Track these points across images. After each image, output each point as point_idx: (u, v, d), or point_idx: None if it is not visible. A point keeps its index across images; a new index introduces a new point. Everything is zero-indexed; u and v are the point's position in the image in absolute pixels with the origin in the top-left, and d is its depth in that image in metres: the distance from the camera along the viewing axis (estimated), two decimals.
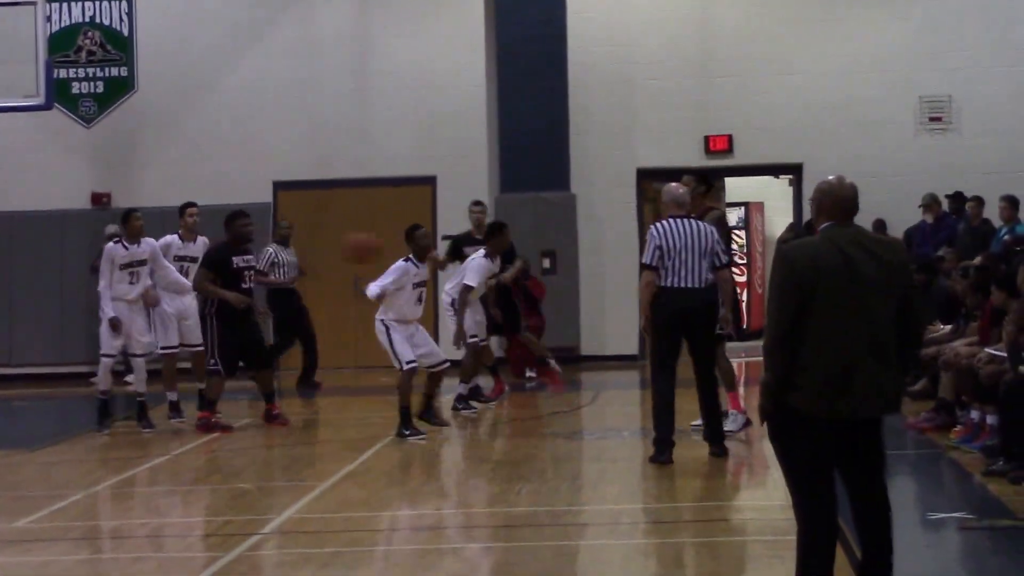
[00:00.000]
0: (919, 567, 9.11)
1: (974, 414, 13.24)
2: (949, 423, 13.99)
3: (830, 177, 7.67)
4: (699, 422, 13.63)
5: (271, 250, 19.93)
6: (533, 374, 20.86)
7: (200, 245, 16.71)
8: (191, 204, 17.04)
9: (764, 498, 11.64)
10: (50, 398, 20.73)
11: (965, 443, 13.04)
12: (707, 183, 14.54)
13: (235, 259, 15.90)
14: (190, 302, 16.59)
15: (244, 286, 15.90)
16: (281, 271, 19.88)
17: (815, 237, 7.42)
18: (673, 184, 13.45)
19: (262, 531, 10.63)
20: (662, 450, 12.73)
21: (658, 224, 12.96)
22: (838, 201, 7.42)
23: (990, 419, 12.81)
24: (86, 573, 9.75)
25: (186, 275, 16.62)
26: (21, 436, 15.98)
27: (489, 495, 12.25)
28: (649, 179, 23.05)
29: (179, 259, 16.72)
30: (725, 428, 14.10)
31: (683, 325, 12.85)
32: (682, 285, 12.79)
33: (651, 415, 13.00)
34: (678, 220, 12.97)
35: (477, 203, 18.72)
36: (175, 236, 16.84)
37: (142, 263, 16.21)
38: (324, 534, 10.71)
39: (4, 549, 10.39)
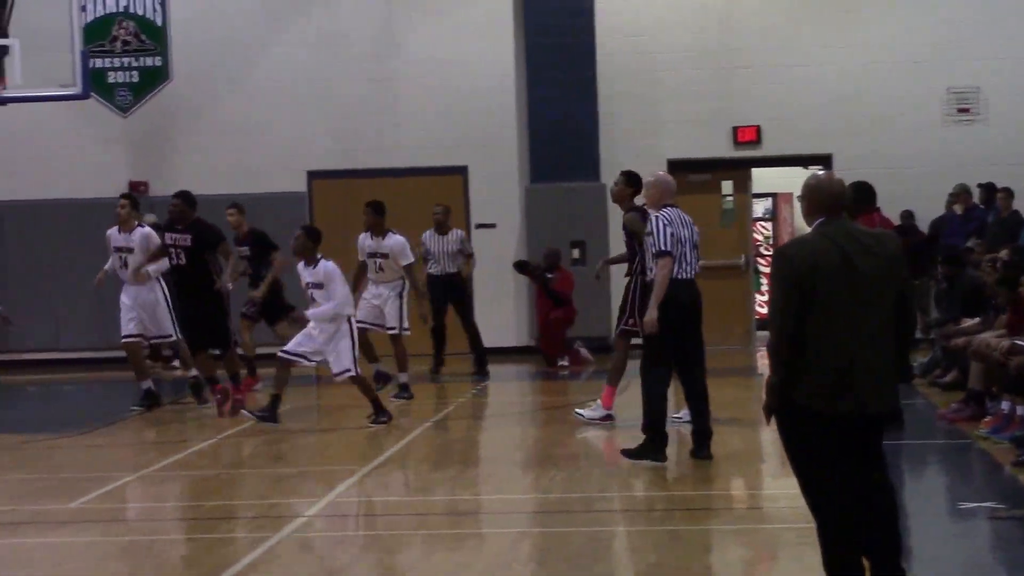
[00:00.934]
0: (948, 556, 9.31)
1: (1004, 405, 13.40)
2: (979, 414, 14.16)
3: (818, 172, 7.83)
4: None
5: (423, 237, 20.12)
6: (565, 363, 21.12)
7: (138, 236, 17.24)
8: (123, 195, 17.78)
9: (794, 486, 11.88)
10: (96, 382, 21.13)
11: (995, 434, 13.21)
12: (634, 184, 14.64)
13: (166, 235, 16.68)
14: (148, 293, 17.13)
15: (173, 262, 16.56)
16: (437, 258, 20.00)
17: (809, 234, 7.50)
18: (662, 172, 13.62)
19: (306, 514, 10.92)
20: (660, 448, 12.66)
21: (663, 212, 12.70)
22: (829, 196, 7.50)
23: (1020, 410, 13.00)
24: (135, 554, 10.04)
25: (124, 265, 17.22)
26: (70, 419, 16.33)
27: (523, 481, 12.50)
28: (680, 170, 23.31)
29: (117, 250, 17.37)
30: (587, 415, 14.65)
31: (688, 317, 12.68)
32: (688, 276, 12.65)
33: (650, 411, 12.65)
34: (676, 209, 12.84)
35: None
36: (114, 228, 17.48)
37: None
38: (364, 518, 10.99)
39: (55, 530, 10.69)
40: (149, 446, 15.01)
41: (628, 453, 12.62)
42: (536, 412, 16.99)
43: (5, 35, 19.42)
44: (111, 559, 9.86)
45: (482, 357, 19.98)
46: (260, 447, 14.57)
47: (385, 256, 17.24)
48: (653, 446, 12.52)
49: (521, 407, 17.16)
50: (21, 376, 21.72)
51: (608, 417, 14.84)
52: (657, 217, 12.77)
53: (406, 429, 15.04)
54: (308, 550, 10.09)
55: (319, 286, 15.18)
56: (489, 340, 20.34)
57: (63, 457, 14.18)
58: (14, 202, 23.34)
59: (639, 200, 14.23)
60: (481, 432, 15.40)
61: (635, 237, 14.07)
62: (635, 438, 12.56)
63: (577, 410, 15.15)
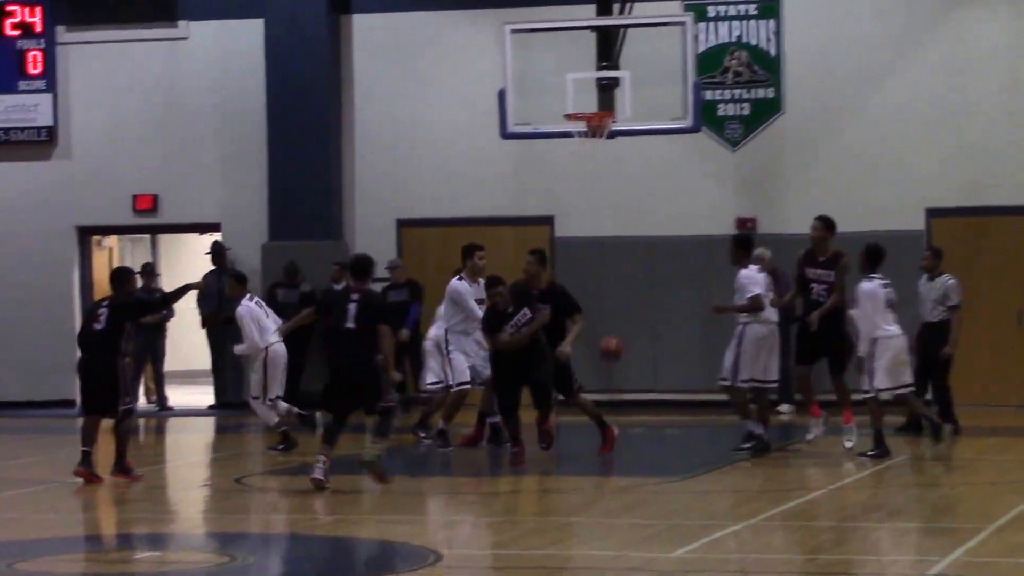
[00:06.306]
0: None
1: None
2: None
3: None
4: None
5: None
6: None
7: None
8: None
9: None
10: (698, 425, 21.28)
11: None
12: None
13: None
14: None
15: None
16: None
17: None
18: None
19: (927, 573, 10.58)
20: None
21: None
22: None
23: None
24: None
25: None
26: (673, 463, 16.58)
27: None
28: None
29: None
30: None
31: None
32: None
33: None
34: None
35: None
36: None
37: None
38: None
39: None
40: (758, 494, 14.94)
41: None
42: None
43: (616, 67, 19.95)
44: None
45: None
46: (877, 499, 14.39)
47: None
48: None
49: None
50: (623, 417, 22.11)
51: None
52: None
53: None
54: None
55: None
56: None
57: (667, 503, 14.29)
58: (618, 238, 23.78)
59: None
60: None
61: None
62: None
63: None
